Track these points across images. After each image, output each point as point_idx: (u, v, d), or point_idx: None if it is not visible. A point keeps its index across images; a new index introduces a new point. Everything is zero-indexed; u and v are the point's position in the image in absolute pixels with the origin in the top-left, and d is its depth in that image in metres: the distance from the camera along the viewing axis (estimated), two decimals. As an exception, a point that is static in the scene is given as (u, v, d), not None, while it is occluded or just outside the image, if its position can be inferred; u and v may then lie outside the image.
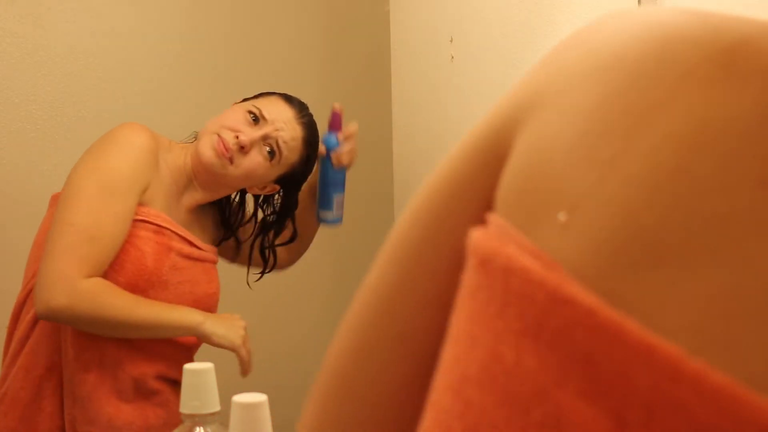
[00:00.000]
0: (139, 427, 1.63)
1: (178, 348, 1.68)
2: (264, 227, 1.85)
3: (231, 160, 1.63)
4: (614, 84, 0.33)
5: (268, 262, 1.88)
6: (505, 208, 0.35)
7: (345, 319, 0.43)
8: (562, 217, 0.32)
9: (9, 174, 2.22)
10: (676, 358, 0.27)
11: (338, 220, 1.87)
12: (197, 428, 0.89)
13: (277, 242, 1.86)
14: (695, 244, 0.29)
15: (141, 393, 1.65)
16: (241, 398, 0.85)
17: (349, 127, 1.83)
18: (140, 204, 1.61)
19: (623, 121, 0.32)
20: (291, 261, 1.96)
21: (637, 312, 0.28)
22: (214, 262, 1.78)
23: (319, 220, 1.88)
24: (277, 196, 1.82)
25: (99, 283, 1.54)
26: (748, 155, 0.29)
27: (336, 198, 1.84)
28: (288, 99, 1.73)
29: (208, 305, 1.73)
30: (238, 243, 1.86)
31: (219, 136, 1.63)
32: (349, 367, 0.42)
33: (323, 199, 1.84)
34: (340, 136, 1.81)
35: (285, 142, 1.68)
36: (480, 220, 0.36)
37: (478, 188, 0.38)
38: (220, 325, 1.63)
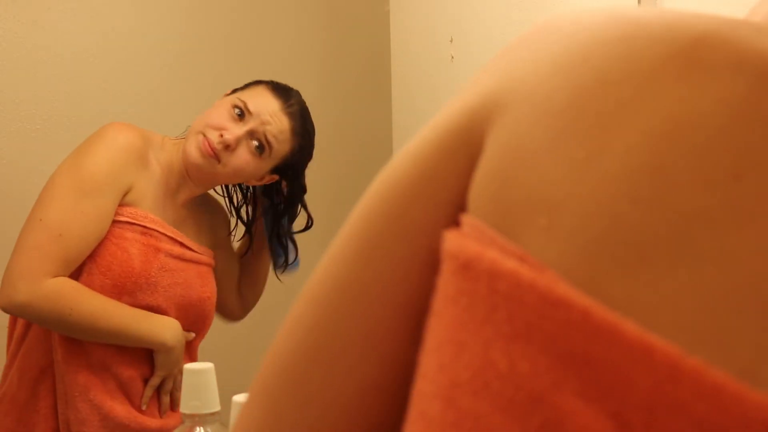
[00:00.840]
0: (133, 430, 1.63)
1: None
2: (276, 216, 1.81)
3: (218, 159, 1.61)
4: (581, 84, 0.33)
5: (288, 252, 1.84)
6: (479, 210, 0.34)
7: (295, 315, 0.40)
8: (543, 219, 0.31)
9: (9, 174, 2.22)
10: (675, 357, 0.27)
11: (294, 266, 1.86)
12: (197, 428, 0.89)
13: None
14: (678, 241, 0.29)
15: (132, 395, 1.64)
16: (241, 398, 0.85)
17: None
18: (126, 204, 1.60)
19: (595, 121, 0.32)
20: (246, 308, 1.93)
21: (627, 312, 0.28)
22: (210, 266, 1.76)
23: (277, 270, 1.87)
24: (284, 183, 1.78)
25: (65, 284, 1.53)
26: (720, 150, 0.29)
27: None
28: (275, 88, 1.68)
29: (202, 309, 1.71)
30: (251, 241, 1.84)
31: (204, 135, 1.61)
32: (304, 367, 0.39)
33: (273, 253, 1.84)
34: None
35: (273, 136, 1.64)
36: (452, 221, 0.36)
37: (448, 187, 0.36)
38: (177, 356, 1.65)
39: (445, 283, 0.33)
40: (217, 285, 1.78)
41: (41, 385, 1.61)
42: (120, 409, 1.61)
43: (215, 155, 1.60)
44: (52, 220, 1.53)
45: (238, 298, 1.90)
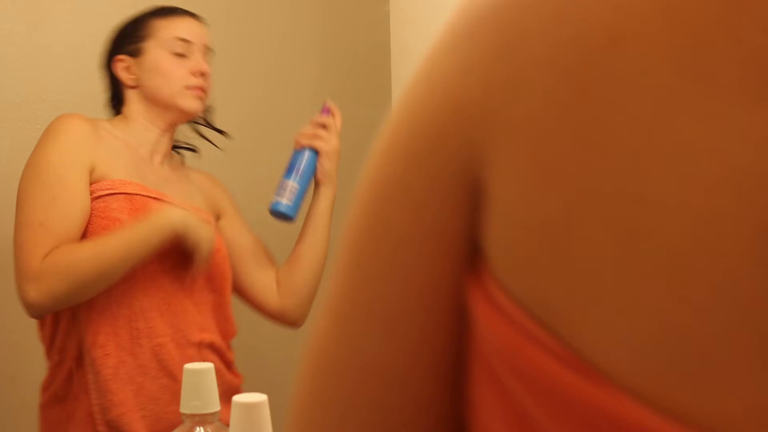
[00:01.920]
0: (166, 402, 1.62)
1: (198, 306, 1.69)
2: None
3: (206, 93, 1.77)
4: (590, 108, 0.27)
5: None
6: (512, 282, 0.29)
7: (304, 374, 0.37)
8: (590, 316, 0.26)
9: (9, 174, 2.21)
10: None
11: (286, 212, 1.71)
12: (197, 428, 0.89)
13: None
14: (744, 336, 0.24)
15: (164, 367, 1.64)
16: (241, 398, 0.85)
17: (321, 117, 1.88)
18: (99, 180, 1.61)
19: (627, 169, 0.26)
20: (292, 297, 1.87)
21: (708, 429, 0.24)
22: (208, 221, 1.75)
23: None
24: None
25: (54, 253, 1.54)
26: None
27: (284, 183, 1.73)
28: (184, 12, 1.82)
29: (215, 261, 1.69)
30: None
31: (188, 87, 1.72)
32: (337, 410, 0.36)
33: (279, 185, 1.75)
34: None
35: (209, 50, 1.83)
36: (460, 257, 0.31)
37: (446, 226, 0.32)
38: (199, 231, 1.62)
39: (496, 383, 0.29)
40: (232, 261, 1.77)
41: (76, 375, 1.62)
42: (153, 385, 1.62)
43: (204, 92, 1.76)
44: (29, 215, 1.57)
45: (274, 283, 1.86)
